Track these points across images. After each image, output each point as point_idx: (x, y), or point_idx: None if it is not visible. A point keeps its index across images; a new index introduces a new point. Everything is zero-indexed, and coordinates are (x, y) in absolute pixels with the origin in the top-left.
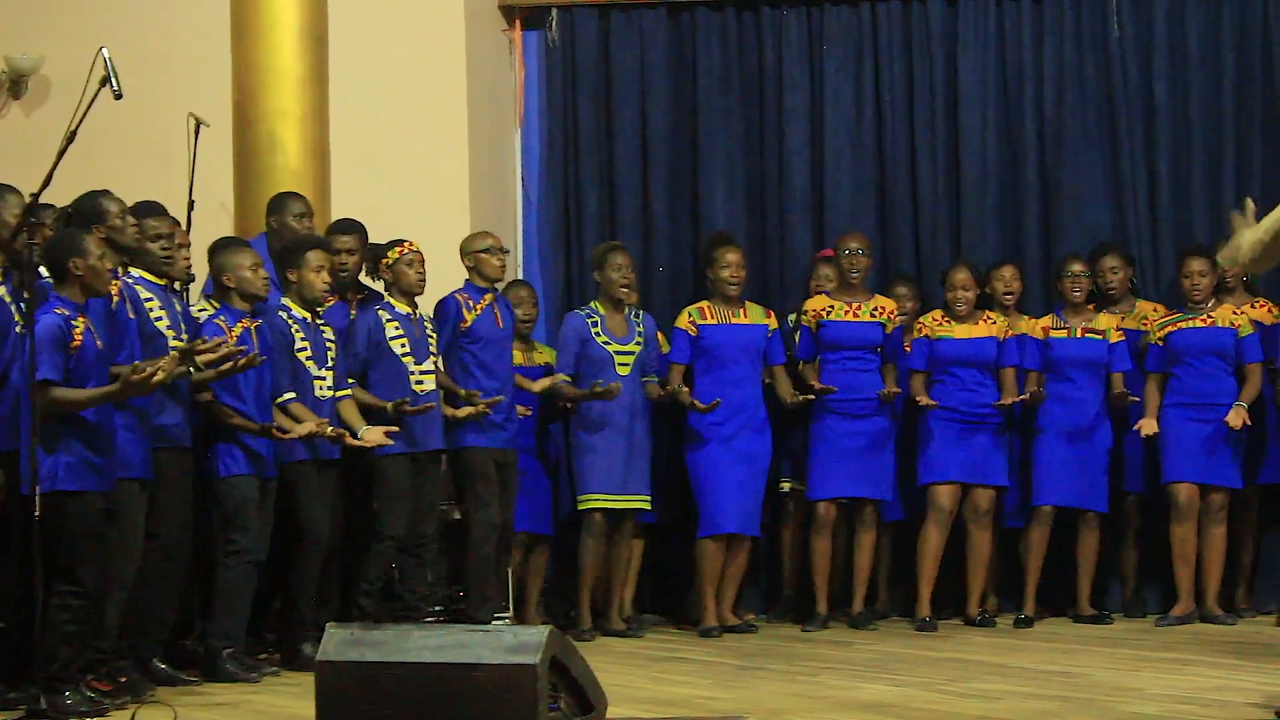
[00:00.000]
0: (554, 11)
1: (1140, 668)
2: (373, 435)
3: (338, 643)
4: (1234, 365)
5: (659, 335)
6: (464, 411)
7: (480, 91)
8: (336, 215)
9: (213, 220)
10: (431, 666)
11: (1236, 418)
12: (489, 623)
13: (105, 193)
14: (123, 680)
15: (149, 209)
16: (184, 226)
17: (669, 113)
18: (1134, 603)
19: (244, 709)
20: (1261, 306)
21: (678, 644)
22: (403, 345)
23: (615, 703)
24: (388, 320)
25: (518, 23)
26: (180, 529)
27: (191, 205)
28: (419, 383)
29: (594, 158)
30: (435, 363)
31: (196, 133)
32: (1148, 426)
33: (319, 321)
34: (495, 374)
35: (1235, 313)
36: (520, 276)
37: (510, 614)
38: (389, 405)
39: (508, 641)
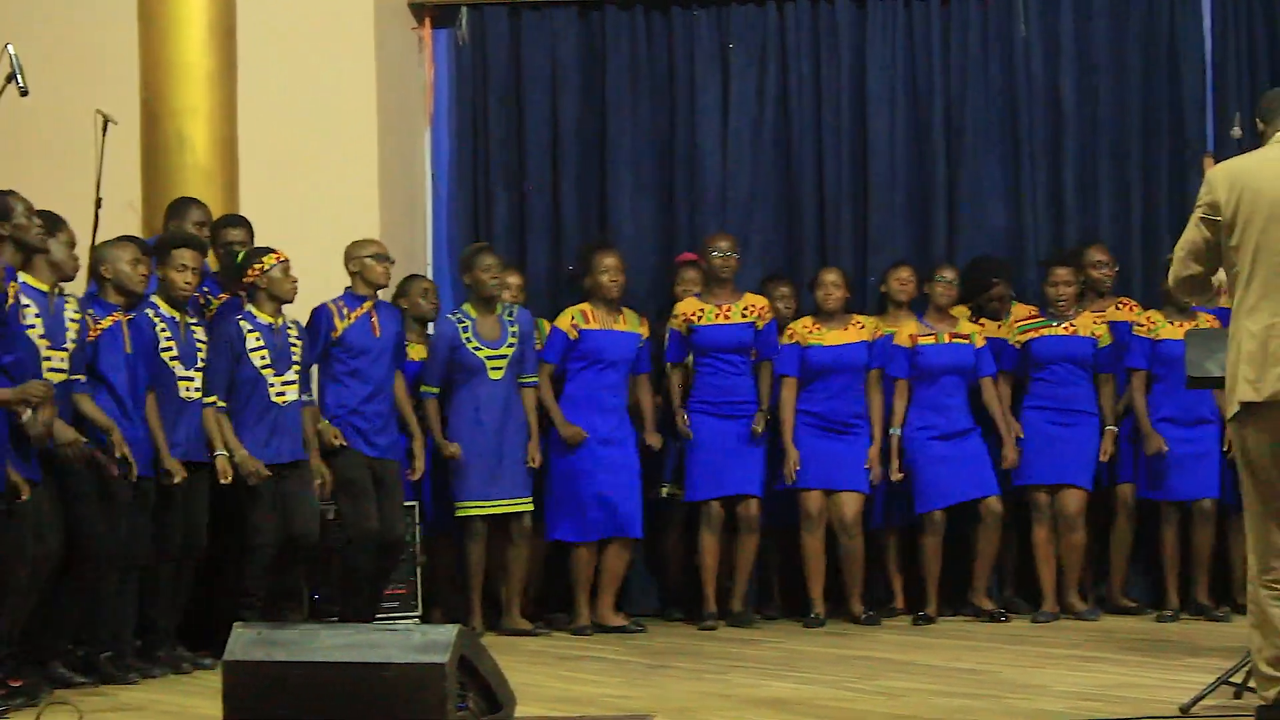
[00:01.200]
0: (464, 10)
1: (1045, 665)
2: (222, 464)
3: (244, 643)
4: (1092, 372)
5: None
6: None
7: (390, 89)
8: (245, 213)
9: (120, 218)
10: (339, 666)
11: (1109, 444)
12: None
13: (11, 192)
14: (17, 684)
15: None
16: (92, 225)
17: (579, 111)
18: (1009, 601)
19: (151, 710)
20: (1125, 306)
21: (587, 643)
22: (262, 357)
23: (524, 701)
24: (249, 330)
25: (428, 21)
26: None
27: (99, 203)
28: (280, 394)
29: (504, 157)
30: (298, 373)
31: (104, 130)
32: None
33: (190, 321)
34: (369, 383)
35: (1095, 321)
36: (429, 275)
37: (419, 614)
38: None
39: (416, 641)
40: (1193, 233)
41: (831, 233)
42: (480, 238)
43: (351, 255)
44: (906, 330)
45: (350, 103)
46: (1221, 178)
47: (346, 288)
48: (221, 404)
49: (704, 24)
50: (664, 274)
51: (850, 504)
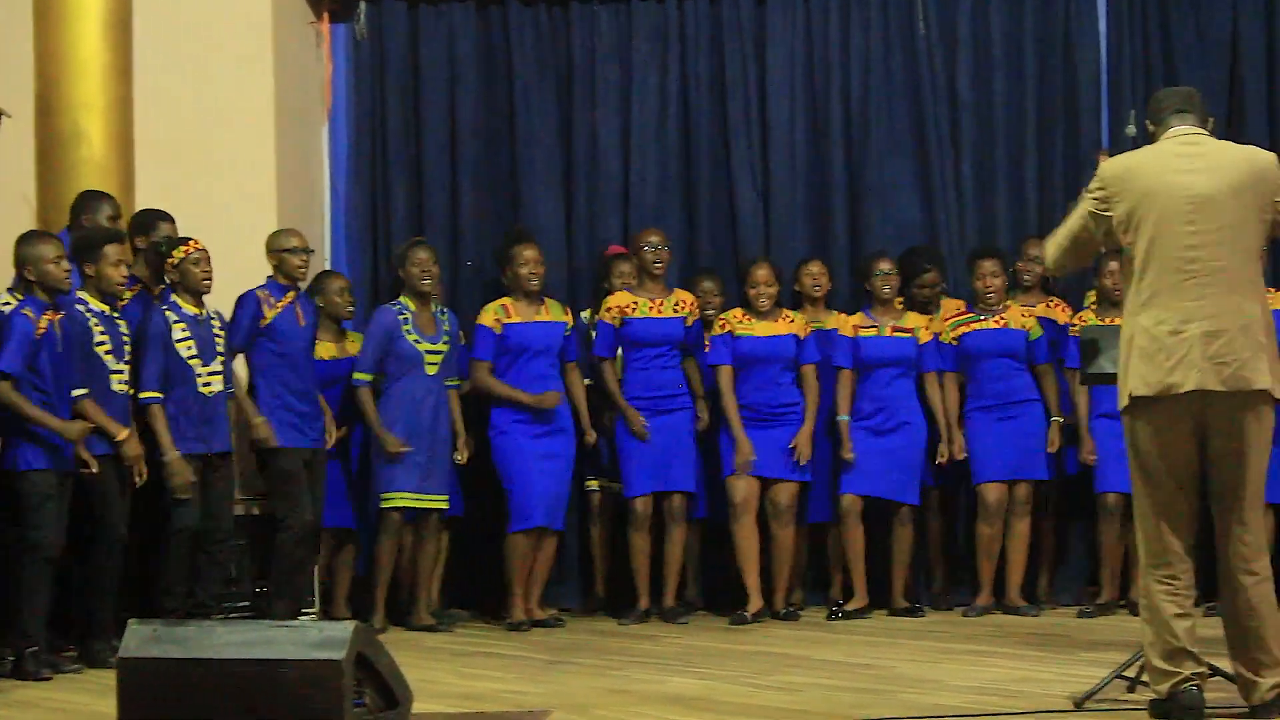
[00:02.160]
0: (362, 5)
1: (943, 659)
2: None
3: (140, 639)
4: (1026, 363)
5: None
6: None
7: (288, 84)
8: (142, 208)
9: (14, 213)
10: (236, 663)
11: (1057, 435)
12: (293, 619)
13: None
14: None
15: None
16: None
17: (479, 107)
18: (940, 595)
19: (44, 707)
20: (1056, 306)
21: (485, 639)
22: (189, 347)
23: (421, 698)
24: (174, 321)
25: (325, 15)
26: None
27: None
28: (206, 384)
29: (402, 152)
30: (223, 364)
31: None
32: (956, 449)
33: (117, 316)
34: (298, 372)
35: (1024, 314)
36: (327, 268)
37: (317, 610)
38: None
39: (313, 637)
40: (1078, 223)
41: (734, 226)
42: (378, 233)
43: (270, 247)
44: (851, 321)
45: (248, 97)
46: (1114, 173)
47: (269, 277)
48: (159, 395)
49: (604, 19)
50: (571, 266)
51: (783, 493)
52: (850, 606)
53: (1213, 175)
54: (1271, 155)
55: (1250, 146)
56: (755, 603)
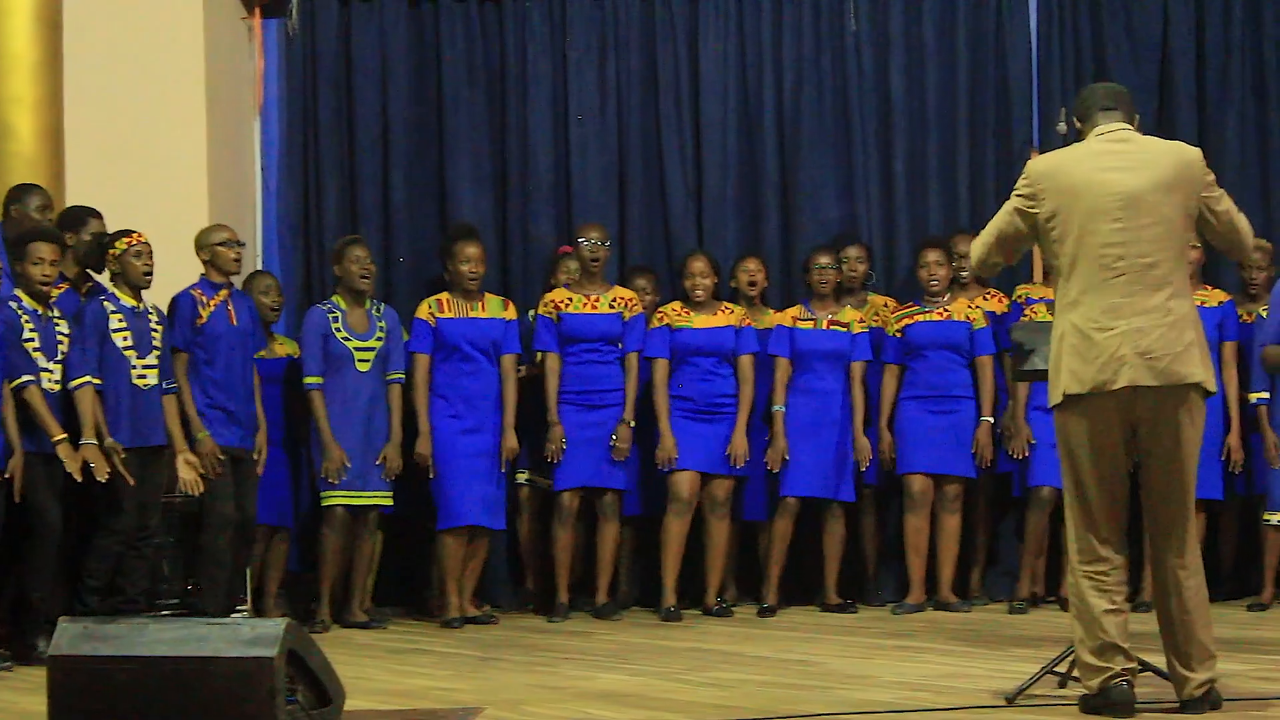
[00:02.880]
0: (294, 0)
1: (874, 655)
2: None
3: (70, 637)
4: (968, 358)
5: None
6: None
7: (219, 79)
8: (72, 203)
9: None
10: (167, 660)
11: (985, 438)
12: (225, 616)
13: None
14: None
15: None
16: None
17: (411, 103)
18: (874, 592)
19: None
20: (993, 297)
21: (418, 636)
22: (125, 339)
23: (353, 695)
24: (112, 312)
25: (257, 10)
26: None
27: None
28: (141, 377)
29: (334, 148)
30: (159, 358)
31: None
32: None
33: (51, 314)
34: (230, 371)
35: (970, 306)
36: (259, 265)
37: (248, 607)
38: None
39: (244, 634)
40: (1005, 220)
41: (667, 223)
42: (310, 229)
43: (202, 243)
44: (790, 313)
45: (179, 93)
46: (1041, 170)
47: (201, 275)
48: (96, 381)
49: (536, 16)
50: (504, 263)
51: (720, 488)
52: (768, 603)
53: (1139, 173)
54: (1197, 151)
55: (1176, 142)
56: (670, 598)
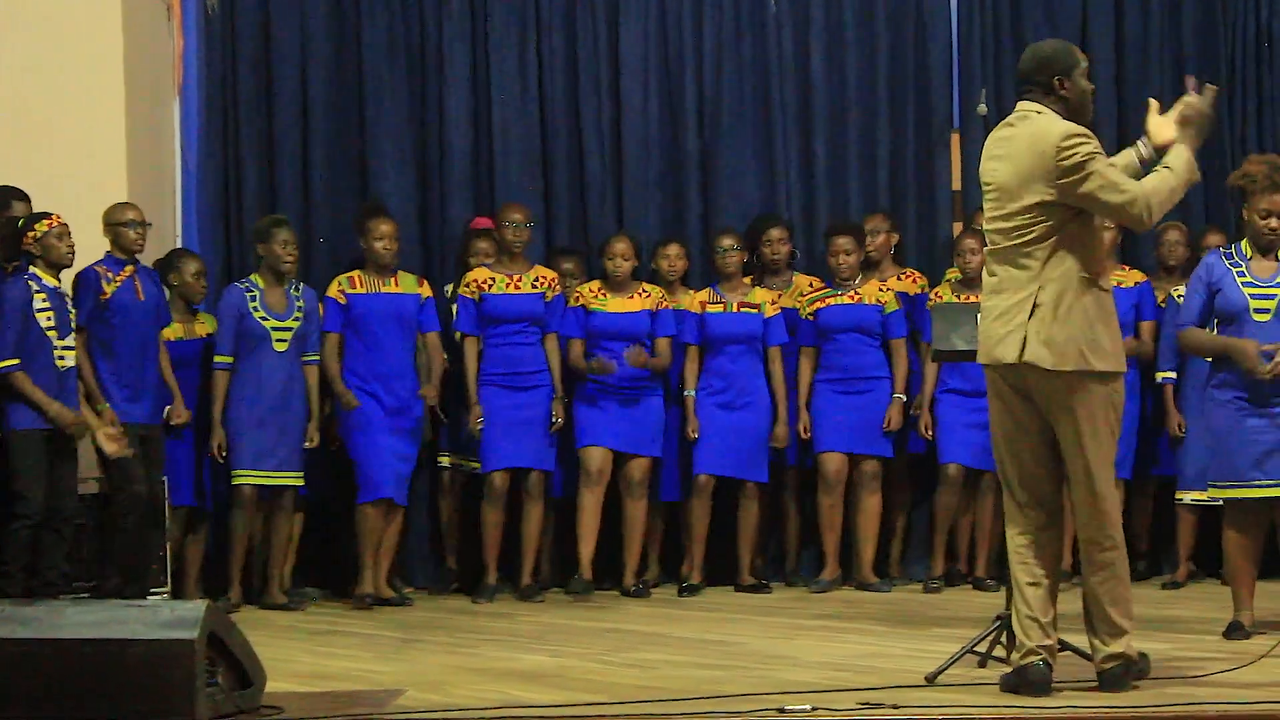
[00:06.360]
0: None
1: (796, 635)
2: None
3: None
4: (880, 339)
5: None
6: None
7: (137, 59)
8: None
9: None
10: (85, 643)
11: (896, 414)
12: (141, 598)
13: None
14: None
15: None
16: None
17: (331, 83)
18: (795, 572)
19: None
20: (908, 278)
21: (339, 617)
22: (48, 318)
23: (274, 677)
24: (35, 291)
25: None
26: None
27: None
28: (60, 358)
29: (254, 128)
30: (75, 338)
31: None
32: (801, 428)
33: None
34: (136, 348)
35: (881, 289)
36: (179, 244)
37: (168, 589)
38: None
39: (164, 617)
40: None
41: (585, 205)
42: (230, 208)
43: (107, 220)
44: (699, 298)
45: (97, 72)
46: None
47: (107, 252)
48: (17, 363)
49: None
50: (424, 243)
51: (636, 468)
52: (691, 581)
53: (1007, 163)
54: (1057, 132)
55: (1043, 125)
56: (586, 571)
